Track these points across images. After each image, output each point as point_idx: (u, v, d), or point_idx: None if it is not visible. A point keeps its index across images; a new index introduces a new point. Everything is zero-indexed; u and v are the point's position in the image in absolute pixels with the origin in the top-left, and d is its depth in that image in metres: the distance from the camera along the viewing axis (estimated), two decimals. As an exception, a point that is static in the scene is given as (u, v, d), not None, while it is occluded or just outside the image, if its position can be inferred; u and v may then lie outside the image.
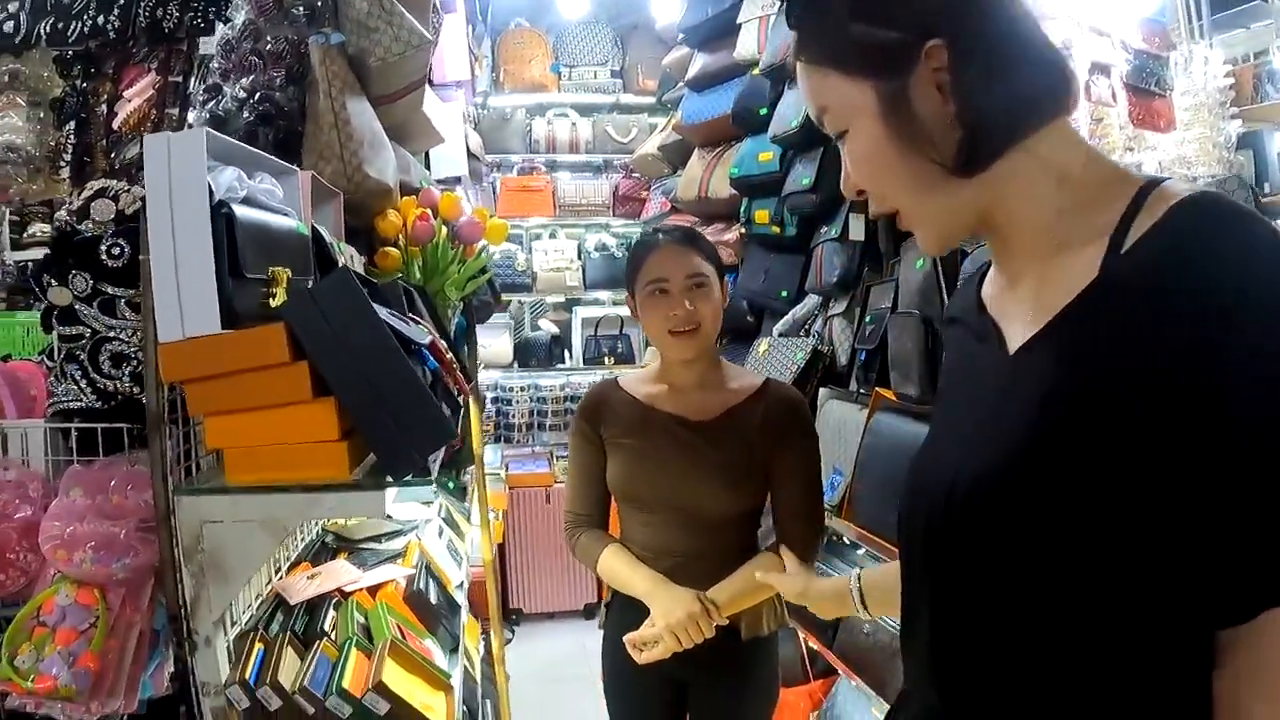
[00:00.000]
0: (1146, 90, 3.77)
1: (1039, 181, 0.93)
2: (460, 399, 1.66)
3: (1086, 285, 0.87)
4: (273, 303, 1.32)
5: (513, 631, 5.09)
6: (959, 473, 0.93)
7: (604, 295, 5.97)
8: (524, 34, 5.99)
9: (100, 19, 3.29)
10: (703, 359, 2.08)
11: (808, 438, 2.09)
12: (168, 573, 1.34)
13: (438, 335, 1.64)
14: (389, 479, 1.26)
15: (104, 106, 3.37)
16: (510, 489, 5.28)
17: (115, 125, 3.30)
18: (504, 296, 5.77)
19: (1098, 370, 0.84)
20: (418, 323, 1.52)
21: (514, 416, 5.72)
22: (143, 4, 3.23)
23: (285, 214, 1.52)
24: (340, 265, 1.62)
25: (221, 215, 1.26)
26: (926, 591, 0.99)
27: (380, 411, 1.20)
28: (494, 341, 5.72)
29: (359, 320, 1.20)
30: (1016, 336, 0.96)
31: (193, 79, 3.22)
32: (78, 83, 3.45)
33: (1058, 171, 0.92)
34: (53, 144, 3.43)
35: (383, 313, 1.33)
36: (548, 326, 6.18)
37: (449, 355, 1.63)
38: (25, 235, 3.46)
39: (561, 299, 6.11)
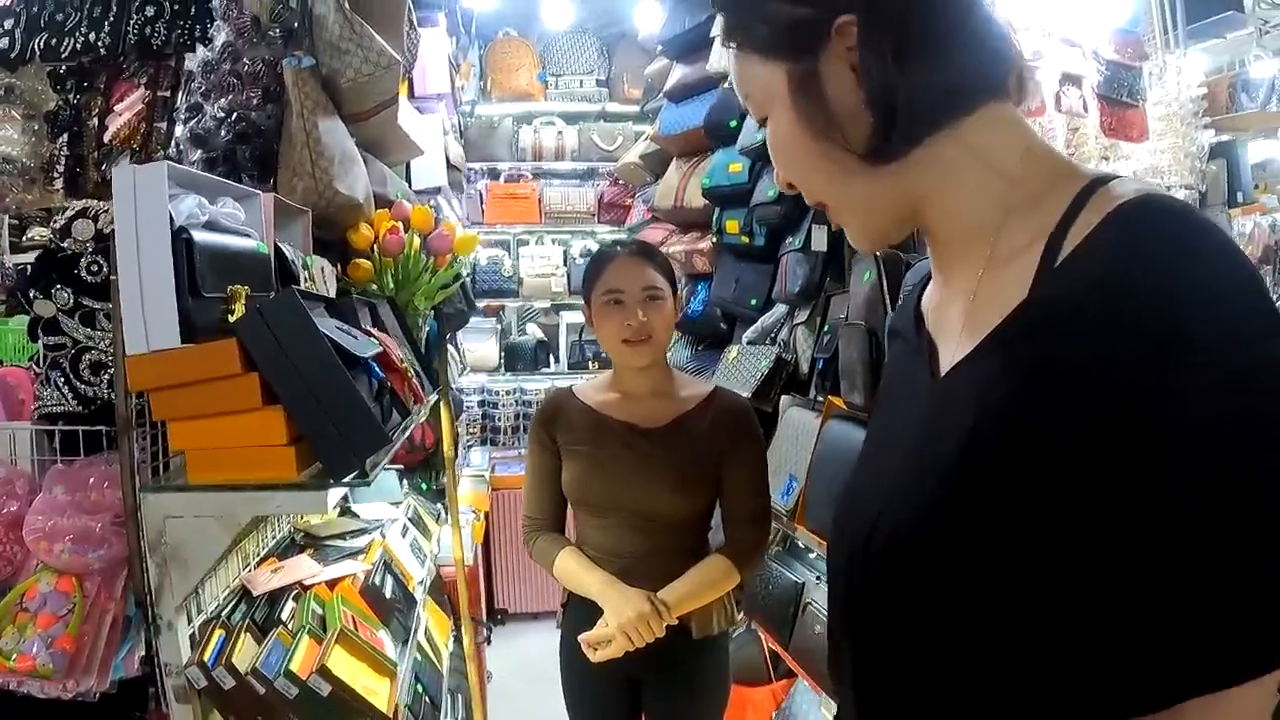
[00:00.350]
0: (1119, 100, 3.87)
1: (968, 173, 0.86)
2: (414, 406, 1.79)
3: (1019, 303, 0.79)
4: (231, 318, 1.45)
5: (490, 629, 5.20)
6: (878, 520, 0.86)
7: (589, 300, 6.06)
8: (511, 43, 6.09)
9: (92, 36, 3.39)
10: (654, 368, 2.17)
11: (754, 444, 2.18)
12: (135, 563, 1.48)
13: (393, 346, 1.77)
14: (331, 480, 1.39)
15: (95, 120, 3.48)
16: (495, 491, 5.37)
17: (106, 138, 3.42)
18: (490, 302, 5.90)
19: (1027, 405, 0.75)
20: (370, 335, 1.64)
21: (500, 420, 5.85)
22: (132, 22, 3.34)
23: (246, 235, 1.65)
24: (290, 285, 1.74)
25: (182, 240, 1.40)
26: (849, 639, 0.93)
27: (322, 419, 1.33)
28: (481, 346, 5.84)
29: (303, 336, 1.32)
30: (948, 358, 0.89)
31: (180, 93, 3.35)
32: (71, 97, 3.56)
33: (989, 163, 0.85)
34: (47, 155, 3.55)
35: (331, 326, 1.46)
36: (534, 331, 6.30)
37: (402, 364, 1.76)
38: (24, 239, 3.58)
39: (548, 304, 6.22)
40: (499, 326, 6.20)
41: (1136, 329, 0.69)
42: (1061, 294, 0.75)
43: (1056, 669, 0.74)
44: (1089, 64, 3.72)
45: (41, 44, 3.43)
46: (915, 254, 2.36)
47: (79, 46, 3.41)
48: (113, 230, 1.72)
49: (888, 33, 0.82)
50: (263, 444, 1.37)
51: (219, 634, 1.59)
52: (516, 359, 6.03)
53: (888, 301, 2.52)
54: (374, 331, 1.73)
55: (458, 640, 3.24)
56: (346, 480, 1.37)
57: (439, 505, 3.42)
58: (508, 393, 5.92)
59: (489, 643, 4.17)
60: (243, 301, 1.46)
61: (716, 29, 3.87)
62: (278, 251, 1.78)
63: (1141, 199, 0.74)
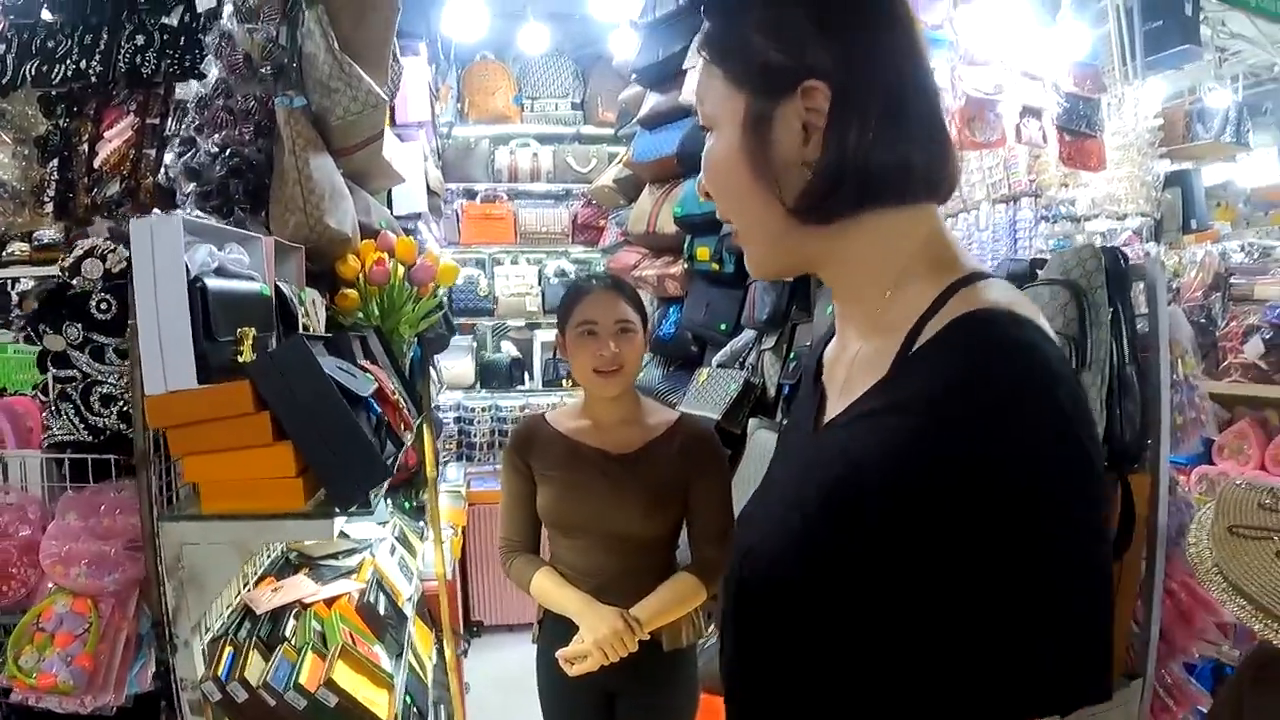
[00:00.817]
0: (1078, 131, 4.00)
1: (876, 256, 0.92)
2: (405, 435, 1.91)
3: (877, 380, 0.87)
4: (240, 359, 1.57)
5: (468, 642, 5.28)
6: (750, 549, 0.95)
7: (563, 320, 6.15)
8: (489, 66, 6.18)
9: (83, 63, 3.45)
10: (624, 396, 2.27)
11: (719, 468, 2.29)
12: (152, 586, 1.59)
13: (386, 379, 1.89)
14: (336, 510, 1.51)
15: (85, 146, 3.53)
16: (470, 505, 5.44)
17: (96, 164, 3.49)
18: (466, 320, 5.99)
19: (866, 474, 0.83)
20: (365, 371, 1.77)
21: (475, 436, 5.94)
22: (123, 50, 3.41)
23: (251, 278, 1.77)
24: (288, 322, 1.86)
25: (197, 289, 1.52)
26: (725, 645, 1.02)
27: (328, 455, 1.46)
28: (457, 363, 5.91)
29: (310, 380, 1.45)
30: (830, 412, 0.96)
31: (169, 120, 3.43)
32: (61, 122, 3.61)
33: (895, 249, 0.91)
34: (37, 180, 3.60)
35: (333, 366, 1.58)
36: (509, 349, 6.39)
37: (395, 397, 1.88)
38: (4, 254, 3.65)
39: (522, 323, 6.32)
40: (474, 344, 6.29)
41: (939, 444, 0.77)
42: (904, 382, 0.84)
43: (895, 698, 0.83)
44: (1049, 96, 3.86)
45: (33, 70, 3.48)
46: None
47: (70, 74, 3.46)
48: (122, 269, 1.84)
49: (854, 116, 0.87)
50: (273, 476, 1.49)
51: (228, 651, 1.71)
52: (492, 376, 6.13)
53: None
54: (368, 366, 1.86)
55: (439, 653, 3.34)
56: (352, 510, 1.49)
57: (420, 522, 3.52)
58: (483, 410, 6.01)
59: (465, 654, 4.26)
60: (250, 343, 1.58)
61: (690, 61, 3.99)
62: (277, 291, 1.90)
63: (983, 314, 0.82)
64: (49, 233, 3.69)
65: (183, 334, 1.49)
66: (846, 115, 0.87)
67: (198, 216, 2.60)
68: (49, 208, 3.57)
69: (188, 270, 1.52)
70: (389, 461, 1.62)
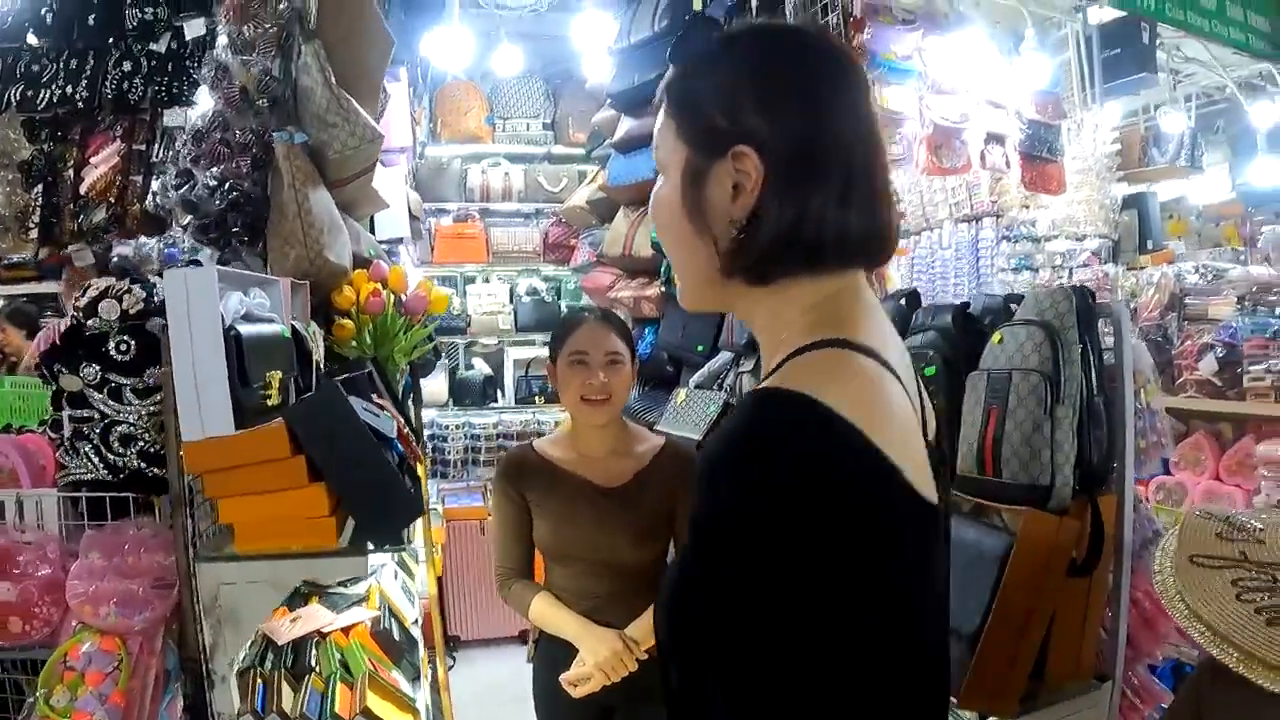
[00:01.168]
0: (1039, 157, 4.13)
1: (781, 307, 0.97)
2: (418, 469, 1.98)
3: None
4: (269, 402, 1.64)
5: (453, 658, 5.32)
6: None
7: (535, 337, 6.25)
8: (461, 86, 6.24)
9: (69, 88, 3.45)
10: (612, 425, 2.36)
11: None
12: (189, 624, 1.65)
13: (400, 420, 1.96)
14: (371, 546, 1.58)
15: (71, 171, 3.53)
16: (447, 522, 5.51)
17: (82, 190, 3.49)
18: (439, 339, 6.03)
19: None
20: (383, 409, 1.84)
21: (449, 453, 5.98)
22: (109, 76, 3.42)
23: (272, 320, 1.84)
24: (311, 368, 1.92)
25: (231, 337, 1.58)
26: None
27: (364, 496, 1.53)
28: (430, 381, 5.91)
29: (346, 426, 1.52)
30: None
31: (156, 146, 3.44)
32: (45, 147, 3.61)
33: (796, 306, 0.96)
34: (21, 205, 3.59)
35: (360, 408, 1.65)
36: (481, 366, 6.44)
37: (407, 431, 1.95)
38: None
39: (494, 341, 6.39)
40: (446, 362, 6.32)
41: (701, 496, 0.85)
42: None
43: None
44: (1012, 123, 3.99)
45: (17, 94, 3.47)
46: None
47: (55, 99, 3.46)
48: (139, 309, 1.88)
49: (792, 183, 0.92)
50: (307, 515, 1.55)
51: (259, 683, 1.76)
52: (464, 394, 6.18)
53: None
54: (384, 403, 1.92)
55: (431, 670, 3.38)
56: (385, 546, 1.56)
57: (410, 545, 3.56)
58: (457, 427, 6.06)
59: (449, 670, 4.29)
60: (277, 387, 1.65)
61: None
62: (293, 331, 1.96)
63: (762, 391, 0.87)
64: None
65: (220, 382, 1.55)
66: (782, 186, 0.92)
67: (197, 246, 2.66)
68: (34, 233, 3.57)
69: (222, 319, 1.58)
70: (414, 495, 1.69)
